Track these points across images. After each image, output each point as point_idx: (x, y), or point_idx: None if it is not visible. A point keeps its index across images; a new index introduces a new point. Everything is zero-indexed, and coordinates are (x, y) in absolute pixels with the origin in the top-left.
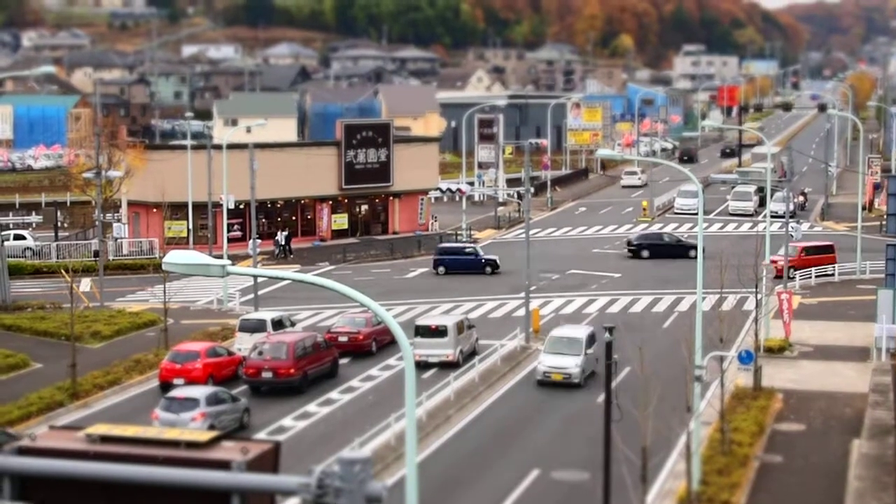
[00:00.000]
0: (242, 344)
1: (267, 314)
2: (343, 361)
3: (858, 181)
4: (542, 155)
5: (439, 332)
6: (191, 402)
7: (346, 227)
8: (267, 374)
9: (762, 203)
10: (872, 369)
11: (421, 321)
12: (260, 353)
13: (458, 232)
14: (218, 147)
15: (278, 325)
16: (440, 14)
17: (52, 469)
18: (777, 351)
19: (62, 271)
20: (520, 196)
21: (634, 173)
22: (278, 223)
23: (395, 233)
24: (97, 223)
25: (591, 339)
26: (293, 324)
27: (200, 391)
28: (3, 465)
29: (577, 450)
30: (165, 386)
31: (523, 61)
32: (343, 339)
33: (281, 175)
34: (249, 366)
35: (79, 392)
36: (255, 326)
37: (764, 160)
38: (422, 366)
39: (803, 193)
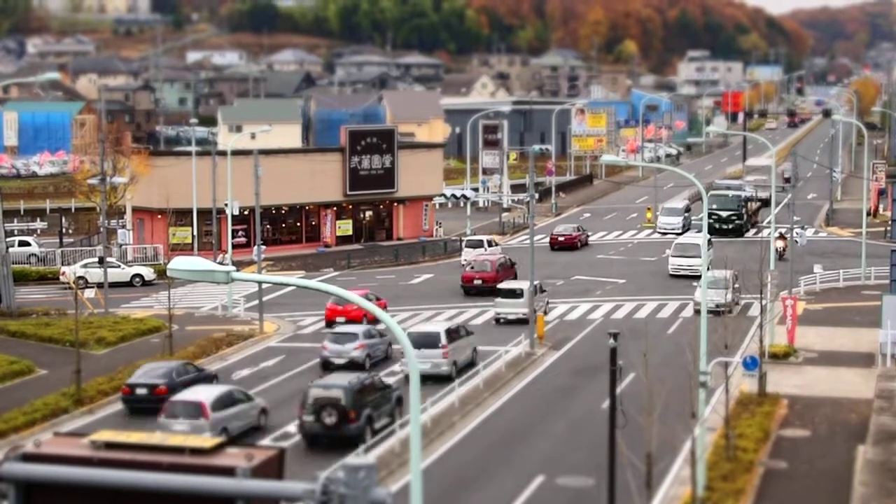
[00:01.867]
0: (467, 257)
1: (484, 236)
2: None
3: (863, 187)
4: (546, 161)
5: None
6: (352, 336)
7: (350, 233)
8: (477, 282)
9: (688, 226)
10: (877, 375)
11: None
12: (472, 267)
13: (462, 237)
14: (222, 153)
15: (490, 244)
16: (445, 20)
17: (57, 475)
18: (782, 357)
19: (72, 282)
20: (508, 207)
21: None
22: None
23: (399, 239)
24: (102, 229)
25: None
26: (497, 244)
27: (359, 328)
28: (8, 472)
29: (581, 456)
30: (330, 324)
31: (527, 67)
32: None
33: (285, 181)
34: (466, 276)
35: (83, 398)
36: (476, 244)
37: (758, 172)
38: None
39: (783, 237)
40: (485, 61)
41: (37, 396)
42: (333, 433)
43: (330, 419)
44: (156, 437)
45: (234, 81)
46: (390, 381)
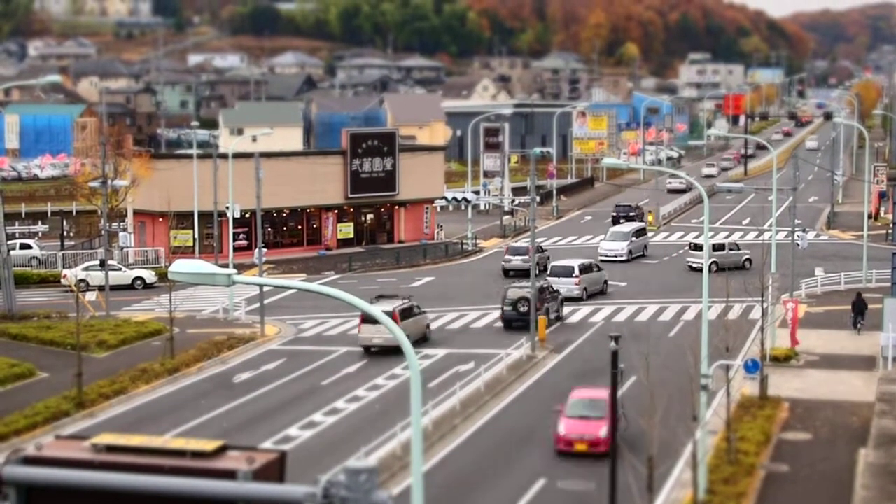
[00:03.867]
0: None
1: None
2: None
3: (864, 190)
4: (547, 163)
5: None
6: (569, 269)
7: (351, 235)
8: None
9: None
10: (879, 378)
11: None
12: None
13: (464, 241)
14: (224, 156)
15: (597, 268)
16: (446, 23)
17: (58, 479)
18: (783, 360)
19: (73, 285)
20: (510, 211)
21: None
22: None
23: (400, 242)
24: (103, 232)
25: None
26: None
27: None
28: (9, 475)
29: (583, 459)
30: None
31: (529, 70)
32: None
33: (286, 184)
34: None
35: (84, 401)
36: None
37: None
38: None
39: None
40: (486, 64)
41: (38, 399)
42: (525, 318)
43: (523, 308)
44: (157, 441)
45: (236, 84)
46: None
